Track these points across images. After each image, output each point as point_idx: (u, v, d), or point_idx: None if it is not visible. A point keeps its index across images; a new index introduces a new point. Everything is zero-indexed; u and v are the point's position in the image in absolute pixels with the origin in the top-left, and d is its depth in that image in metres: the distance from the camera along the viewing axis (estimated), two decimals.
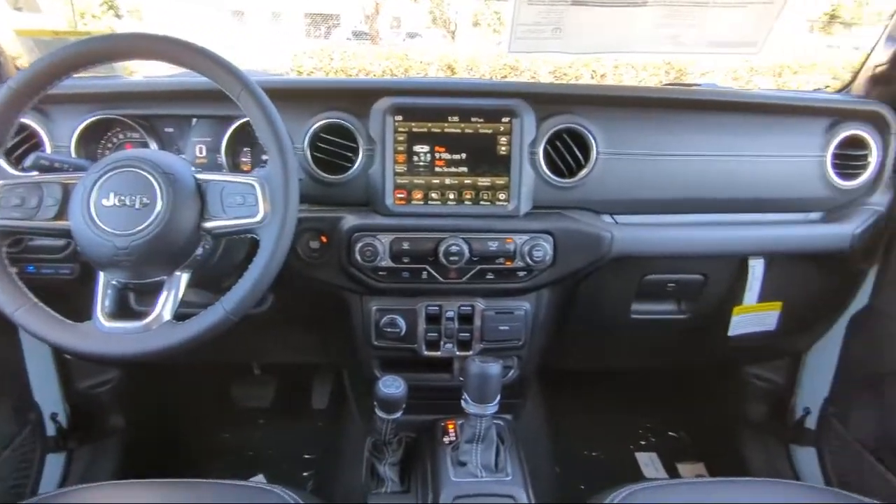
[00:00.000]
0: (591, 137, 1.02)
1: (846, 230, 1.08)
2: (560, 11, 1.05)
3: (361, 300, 1.08)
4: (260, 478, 1.59)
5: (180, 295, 0.84)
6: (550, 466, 1.58)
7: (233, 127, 1.03)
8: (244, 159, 1.08)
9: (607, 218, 1.07)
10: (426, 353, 1.09)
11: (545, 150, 1.02)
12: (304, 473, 1.61)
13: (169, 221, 0.78)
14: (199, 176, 0.83)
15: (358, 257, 0.99)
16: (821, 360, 1.32)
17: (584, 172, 1.03)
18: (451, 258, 0.99)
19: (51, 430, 1.27)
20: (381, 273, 1.02)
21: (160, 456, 1.55)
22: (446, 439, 1.09)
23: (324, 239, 1.02)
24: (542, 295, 1.10)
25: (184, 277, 0.85)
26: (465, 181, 1.02)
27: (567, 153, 1.03)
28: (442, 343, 1.09)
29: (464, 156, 1.01)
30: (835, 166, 1.08)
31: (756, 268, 1.12)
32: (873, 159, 1.09)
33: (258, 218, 0.81)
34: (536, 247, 1.01)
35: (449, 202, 1.02)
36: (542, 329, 1.13)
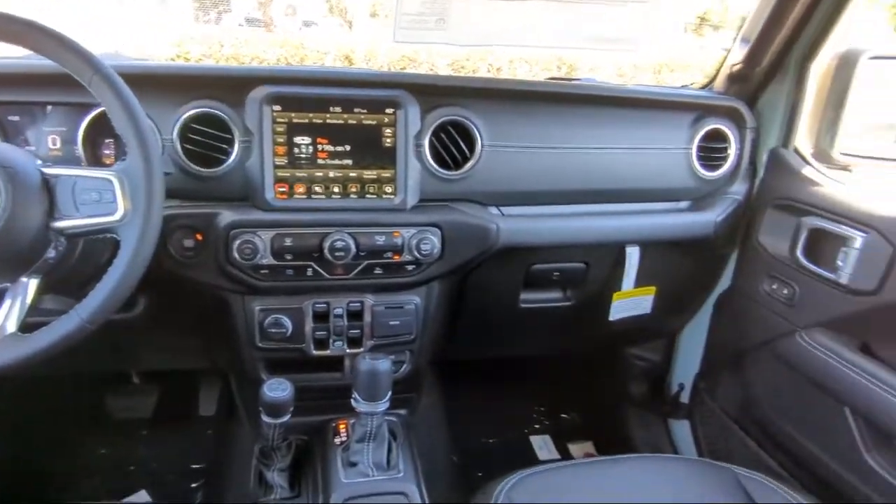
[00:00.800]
0: (475, 130, 1.03)
1: (710, 218, 1.16)
2: (444, 2, 1.05)
3: (243, 300, 1.03)
4: (142, 494, 1.48)
5: (28, 303, 0.75)
6: (448, 457, 1.60)
7: (90, 116, 0.93)
8: (106, 152, 0.98)
9: (494, 210, 1.09)
10: (315, 352, 1.06)
11: (431, 143, 1.02)
12: (193, 485, 1.52)
13: (8, 221, 0.69)
14: (47, 170, 0.74)
15: (237, 255, 0.94)
16: (692, 339, 1.42)
17: (469, 165, 1.03)
18: (337, 254, 0.97)
19: None
20: (262, 271, 0.97)
21: (24, 486, 1.40)
22: (337, 440, 1.06)
23: (199, 237, 0.96)
24: (432, 288, 1.10)
25: (32, 284, 0.76)
26: (350, 174, 0.99)
27: (452, 145, 1.03)
28: (331, 341, 1.06)
29: (348, 148, 0.99)
30: (699, 158, 1.16)
31: (632, 255, 1.18)
32: (732, 151, 1.18)
33: (117, 216, 0.74)
34: (424, 240, 1.00)
35: (333, 196, 0.99)
36: (433, 322, 1.13)
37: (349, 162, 0.99)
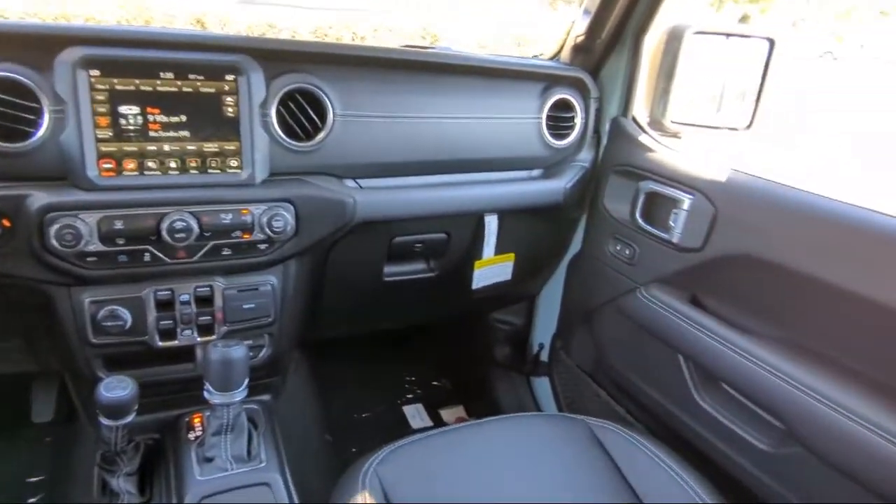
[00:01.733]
0: (326, 98, 0.98)
1: (559, 185, 1.21)
2: None
3: (69, 292, 0.91)
4: None
5: None
6: (321, 436, 1.57)
7: None
8: None
9: (350, 182, 1.05)
10: (161, 344, 0.97)
11: (278, 112, 0.96)
12: (30, 501, 1.36)
13: None
14: None
15: (55, 243, 0.83)
16: (549, 301, 1.50)
17: (321, 136, 0.99)
18: (178, 235, 0.88)
19: None
20: (89, 259, 0.86)
21: None
22: (192, 435, 0.99)
23: (6, 223, 0.83)
24: (289, 267, 1.05)
25: None
26: (189, 147, 0.91)
27: (302, 115, 0.97)
28: (179, 331, 0.98)
29: (184, 118, 0.90)
30: (549, 127, 1.20)
31: (491, 223, 1.21)
32: (578, 121, 1.23)
33: None
34: (276, 217, 0.95)
35: (171, 172, 0.90)
36: (292, 303, 1.08)
37: (186, 134, 0.90)
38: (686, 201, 1.05)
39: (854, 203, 0.83)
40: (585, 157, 1.27)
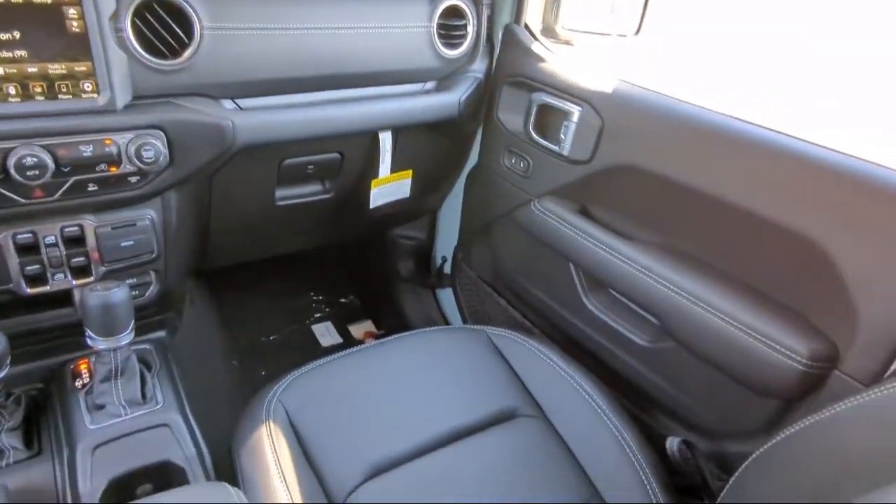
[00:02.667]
0: (190, 9, 0.87)
1: (454, 98, 1.18)
2: None
3: None
4: None
5: None
6: (227, 362, 1.55)
7: None
8: None
9: (228, 104, 0.97)
10: (29, 291, 0.89)
11: (134, 26, 0.84)
12: None
13: None
14: None
15: None
16: (449, 215, 1.51)
17: (188, 52, 0.89)
18: (30, 173, 0.78)
19: None
20: None
21: None
22: (79, 383, 0.94)
23: None
24: (169, 198, 0.97)
25: None
26: (29, 69, 0.79)
27: (164, 29, 0.87)
28: (50, 275, 0.90)
29: (17, 35, 0.77)
30: (440, 36, 1.15)
31: (385, 141, 1.17)
32: (471, 29, 1.19)
33: None
34: (145, 146, 0.86)
35: (11, 99, 0.78)
36: (177, 236, 1.01)
37: (24, 54, 0.78)
38: (575, 113, 1.06)
39: (729, 114, 0.87)
40: (479, 67, 1.24)
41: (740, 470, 0.72)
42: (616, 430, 0.93)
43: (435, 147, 1.30)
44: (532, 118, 1.15)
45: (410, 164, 1.27)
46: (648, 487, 0.87)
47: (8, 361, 0.82)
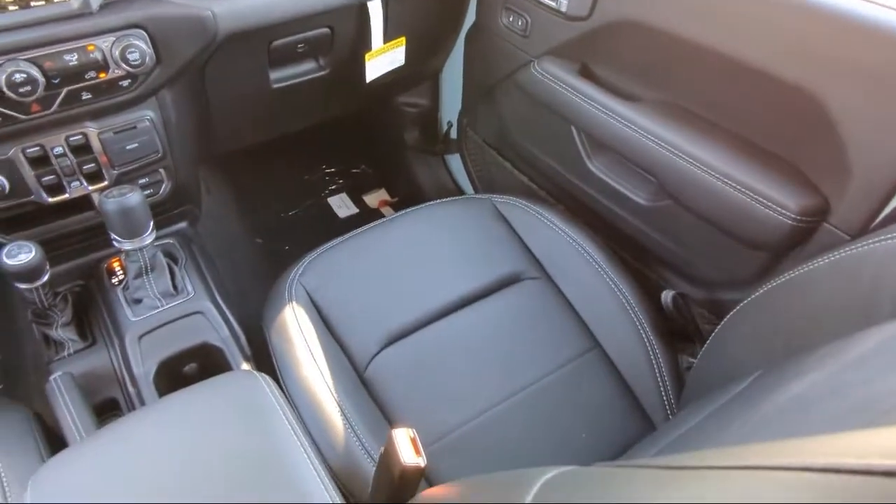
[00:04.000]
0: None
1: None
2: None
3: None
4: None
5: None
6: (251, 241, 1.63)
7: None
8: None
9: None
10: (51, 200, 0.94)
11: None
12: None
13: None
14: None
15: None
16: (452, 79, 1.47)
17: None
18: (22, 89, 0.79)
19: None
20: None
21: None
22: (115, 280, 1.02)
23: None
24: (164, 97, 0.97)
25: None
26: None
27: None
28: (66, 183, 0.94)
29: None
30: None
31: (374, 9, 1.12)
32: None
33: None
34: (129, 48, 0.85)
35: None
36: (179, 131, 1.03)
37: None
38: None
39: None
40: None
41: (728, 316, 0.78)
42: (614, 285, 0.99)
43: (428, 9, 1.24)
44: None
45: (404, 30, 1.21)
46: (643, 333, 0.94)
47: (47, 267, 0.89)
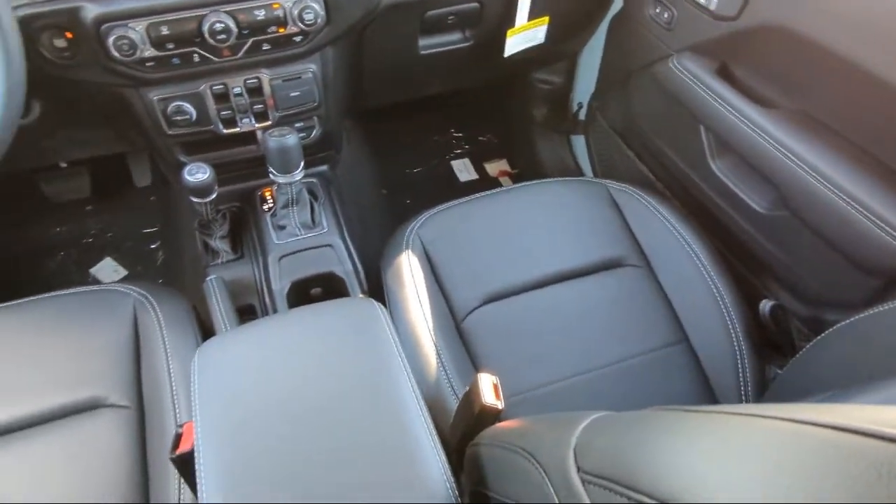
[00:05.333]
0: None
1: None
2: None
3: (139, 92, 1.03)
4: (108, 261, 1.66)
5: None
6: (377, 191, 1.78)
7: None
8: None
9: None
10: (225, 131, 1.11)
11: None
12: (151, 247, 1.69)
13: None
14: None
15: (115, 53, 0.92)
16: (589, 62, 1.50)
17: None
18: (219, 37, 0.95)
19: None
20: (147, 64, 0.96)
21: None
22: (265, 206, 1.19)
23: (69, 35, 0.92)
24: (327, 53, 1.10)
25: None
26: None
27: None
28: (238, 119, 1.11)
29: None
30: None
31: None
32: None
33: None
34: (306, 9, 0.98)
35: None
36: (334, 85, 1.16)
37: None
38: None
39: None
40: None
41: (823, 335, 0.79)
42: (714, 285, 1.01)
43: None
44: None
45: (548, 9, 1.26)
46: (734, 336, 0.96)
47: (216, 187, 1.06)
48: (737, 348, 0.95)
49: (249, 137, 1.17)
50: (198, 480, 0.54)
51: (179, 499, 0.78)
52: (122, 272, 1.65)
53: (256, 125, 1.12)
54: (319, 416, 0.58)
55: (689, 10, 1.09)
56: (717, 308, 0.98)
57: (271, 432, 0.57)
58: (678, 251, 1.06)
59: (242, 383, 0.60)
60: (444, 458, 0.57)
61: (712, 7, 1.04)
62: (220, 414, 0.58)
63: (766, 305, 0.96)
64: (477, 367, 0.94)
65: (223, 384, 0.61)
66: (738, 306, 0.98)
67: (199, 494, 0.54)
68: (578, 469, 0.35)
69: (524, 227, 1.10)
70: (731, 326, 0.97)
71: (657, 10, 1.18)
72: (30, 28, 0.88)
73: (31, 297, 0.97)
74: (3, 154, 0.79)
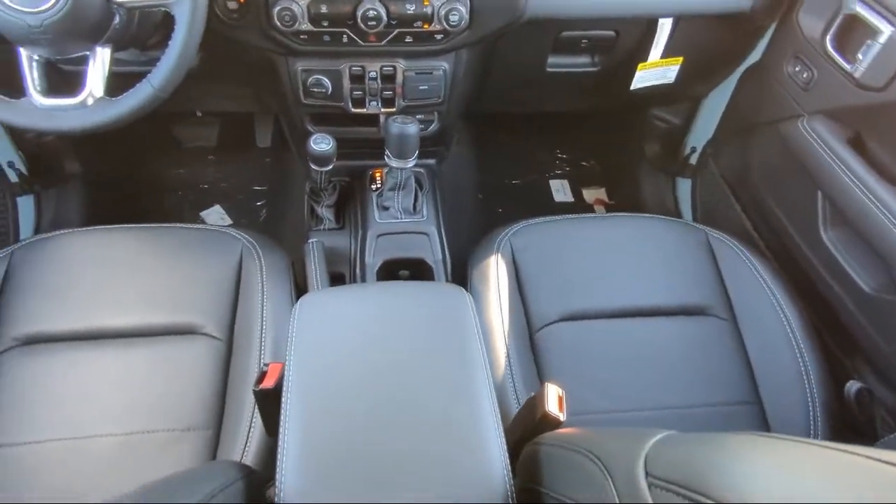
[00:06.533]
0: None
1: None
2: None
3: (287, 61, 1.12)
4: (217, 208, 1.79)
5: (107, 69, 0.88)
6: (474, 194, 1.82)
7: None
8: None
9: None
10: (353, 110, 1.19)
11: None
12: (258, 203, 1.82)
13: None
14: None
15: (277, 22, 1.01)
16: (713, 106, 1.48)
17: None
18: (370, 23, 1.02)
19: (13, 176, 1.37)
20: (302, 37, 1.05)
21: (122, 196, 1.70)
22: (373, 186, 1.26)
23: (241, 0, 1.02)
24: (461, 54, 1.16)
25: (106, 51, 0.88)
26: None
27: None
28: (367, 101, 1.18)
29: None
30: None
31: (665, 26, 1.18)
32: None
33: None
34: (453, 11, 1.04)
35: None
36: (460, 86, 1.21)
37: None
38: (885, 33, 0.96)
39: None
40: None
41: None
42: (800, 356, 0.98)
43: (716, 37, 1.26)
44: (834, 27, 1.06)
45: (684, 51, 1.26)
46: (811, 412, 0.93)
47: (334, 159, 1.14)
48: (812, 424, 0.92)
49: (372, 120, 1.24)
50: (282, 413, 0.60)
51: (250, 428, 0.85)
52: (228, 220, 1.78)
53: (382, 109, 1.19)
54: (398, 385, 0.62)
55: (832, 75, 1.07)
56: (800, 379, 0.96)
57: (352, 389, 0.62)
58: (769, 312, 1.04)
59: (335, 337, 0.66)
60: (506, 454, 0.60)
61: (858, 75, 1.01)
62: (311, 360, 0.64)
63: (852, 387, 0.93)
64: (542, 379, 0.96)
65: (318, 334, 0.66)
66: (823, 382, 0.95)
67: (281, 425, 0.59)
68: (647, 474, 0.37)
69: (615, 255, 1.10)
70: (810, 400, 0.94)
71: (797, 69, 1.15)
72: None
73: (157, 224, 1.08)
74: (169, 94, 0.89)
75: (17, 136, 1.38)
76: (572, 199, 1.92)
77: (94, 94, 0.87)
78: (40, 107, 0.87)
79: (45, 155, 1.47)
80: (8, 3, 0.78)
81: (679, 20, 1.19)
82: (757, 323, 1.03)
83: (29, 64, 0.87)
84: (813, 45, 1.11)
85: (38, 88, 0.87)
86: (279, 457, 0.56)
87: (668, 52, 1.25)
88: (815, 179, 1.09)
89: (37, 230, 1.45)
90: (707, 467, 0.32)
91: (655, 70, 1.29)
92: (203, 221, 1.76)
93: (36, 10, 0.78)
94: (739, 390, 0.97)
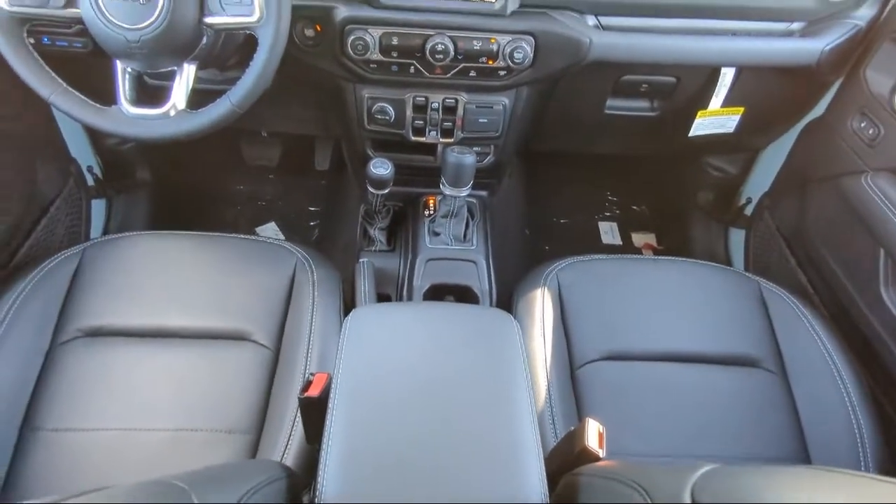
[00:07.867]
0: None
1: (817, 46, 1.12)
2: None
3: (354, 87, 1.17)
4: (272, 225, 1.86)
5: (191, 84, 0.95)
6: (521, 229, 1.84)
7: None
8: None
9: (591, 20, 1.11)
10: (413, 138, 1.23)
11: None
12: (311, 223, 1.87)
13: (172, 15, 0.85)
14: None
15: (350, 50, 1.07)
16: (771, 159, 1.46)
17: None
18: (437, 56, 1.07)
19: (90, 180, 1.46)
20: (371, 65, 1.10)
21: (185, 205, 1.79)
22: (426, 212, 1.29)
23: (318, 28, 1.08)
24: (521, 91, 1.19)
25: (192, 69, 0.94)
26: None
27: None
28: (427, 130, 1.22)
29: None
30: None
31: (726, 75, 1.19)
32: None
33: (254, 18, 0.88)
34: (518, 49, 1.07)
35: None
36: (518, 122, 1.24)
37: None
38: None
39: None
40: (864, 14, 1.13)
41: None
42: (853, 414, 0.94)
43: (779, 90, 1.26)
44: None
45: (745, 101, 1.26)
46: (863, 471, 0.88)
47: (391, 184, 1.18)
48: None
49: (430, 149, 1.28)
50: (327, 420, 0.61)
51: (290, 435, 0.86)
52: (281, 237, 1.84)
53: (440, 139, 1.23)
54: (443, 403, 0.63)
55: None
56: (853, 440, 0.92)
57: (398, 402, 0.63)
58: (823, 369, 1.01)
59: (384, 351, 0.67)
60: (545, 481, 0.59)
61: None
62: (360, 371, 0.66)
63: None
64: (581, 416, 0.95)
65: (368, 347, 0.68)
66: (877, 445, 0.91)
67: (325, 431, 0.61)
68: (693, 502, 0.37)
69: (664, 298, 1.09)
70: (862, 462, 0.90)
71: (862, 125, 1.14)
72: (292, 15, 1.05)
73: (219, 233, 1.13)
74: (245, 111, 0.94)
75: (98, 143, 1.48)
76: (620, 243, 1.91)
77: (177, 107, 0.94)
78: (128, 115, 0.94)
79: (120, 162, 1.56)
80: (111, 18, 0.85)
81: (742, 70, 1.19)
82: (809, 379, 1.00)
83: (123, 76, 0.94)
84: (880, 101, 1.10)
85: (128, 98, 0.94)
86: (322, 461, 0.58)
87: (728, 102, 1.26)
88: (878, 237, 1.06)
89: (105, 232, 1.54)
90: (760, 498, 0.32)
91: (715, 119, 1.29)
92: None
93: (135, 27, 0.85)
94: (786, 447, 0.93)
